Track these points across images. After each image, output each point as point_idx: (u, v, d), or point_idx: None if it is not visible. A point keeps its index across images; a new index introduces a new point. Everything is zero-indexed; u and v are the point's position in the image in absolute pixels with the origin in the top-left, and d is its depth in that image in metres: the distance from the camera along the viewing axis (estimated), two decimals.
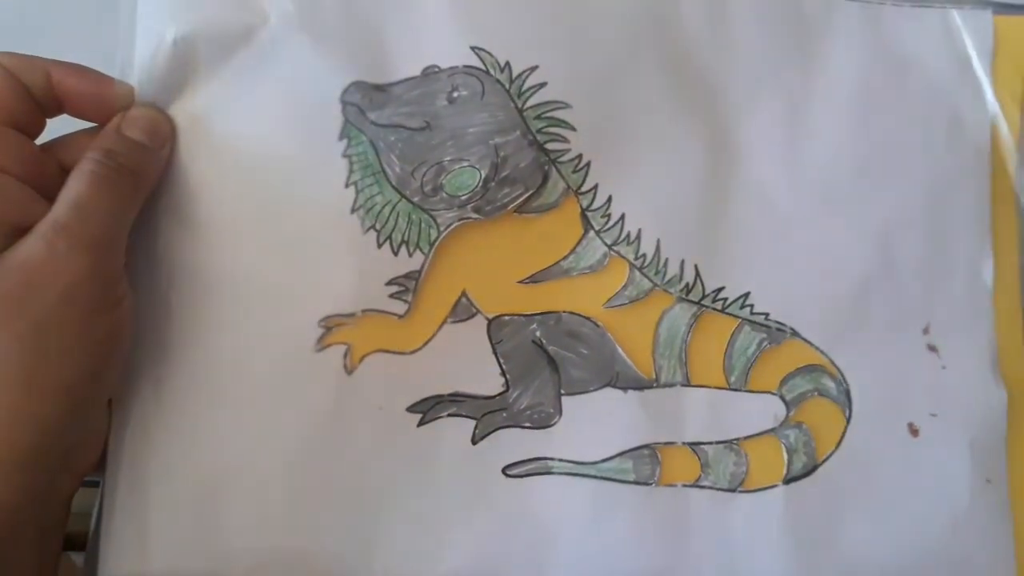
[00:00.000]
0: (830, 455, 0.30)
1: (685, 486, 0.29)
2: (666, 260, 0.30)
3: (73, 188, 0.24)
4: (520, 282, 0.29)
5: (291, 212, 0.28)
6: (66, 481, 0.26)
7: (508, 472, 0.29)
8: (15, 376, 0.23)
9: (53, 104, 0.27)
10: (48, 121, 0.27)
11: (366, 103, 0.28)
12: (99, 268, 0.24)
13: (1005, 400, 0.30)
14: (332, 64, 0.28)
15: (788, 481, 0.29)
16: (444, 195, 0.28)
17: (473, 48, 0.29)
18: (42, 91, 0.26)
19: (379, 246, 0.28)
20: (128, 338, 0.26)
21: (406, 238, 0.28)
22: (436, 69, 0.29)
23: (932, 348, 0.30)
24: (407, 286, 0.28)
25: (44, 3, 0.35)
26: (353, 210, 0.28)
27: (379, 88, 0.28)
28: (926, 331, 0.30)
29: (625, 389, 0.29)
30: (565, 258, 0.29)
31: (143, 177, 0.26)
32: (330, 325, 0.28)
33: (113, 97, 0.27)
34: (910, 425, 0.30)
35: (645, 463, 0.29)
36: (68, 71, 0.26)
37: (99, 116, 0.27)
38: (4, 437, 0.23)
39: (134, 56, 0.27)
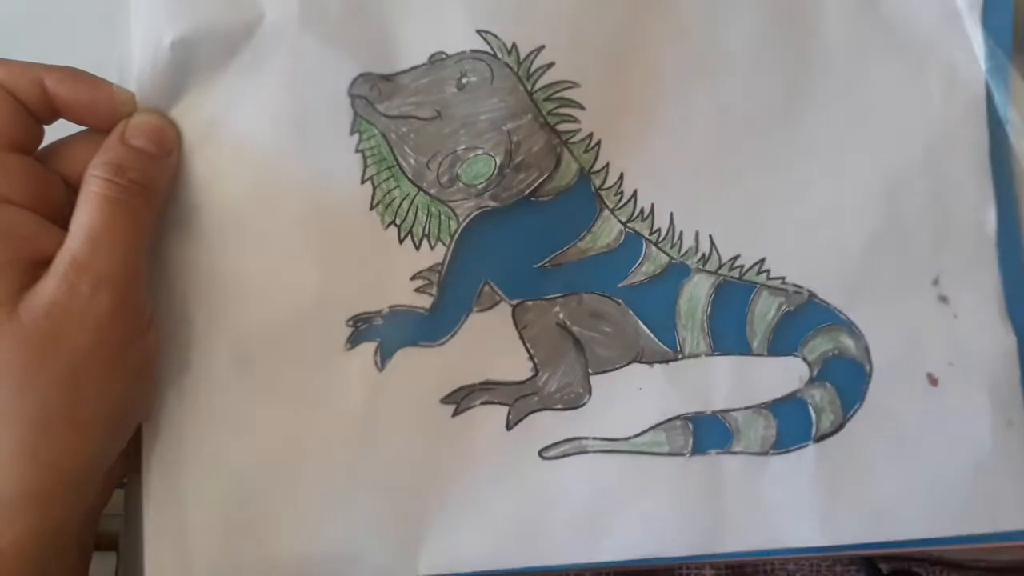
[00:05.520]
0: (855, 411, 0.30)
1: (718, 454, 0.30)
2: (681, 233, 0.30)
3: (86, 216, 0.24)
4: (539, 266, 0.29)
5: (309, 213, 0.27)
6: (105, 495, 0.26)
7: (544, 455, 0.29)
8: (58, 415, 0.23)
9: (48, 113, 0.25)
10: None
11: (375, 95, 0.28)
12: (125, 301, 0.24)
13: (1015, 344, 0.31)
14: (337, 57, 0.27)
15: (818, 439, 0.30)
16: (460, 185, 0.28)
17: (479, 31, 0.28)
18: (37, 102, 0.25)
19: (400, 241, 0.28)
20: (159, 360, 0.26)
21: (427, 231, 0.28)
22: (443, 55, 0.28)
23: (943, 299, 0.31)
24: (431, 279, 0.28)
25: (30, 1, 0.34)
26: (372, 207, 0.28)
27: (387, 78, 0.28)
28: (936, 282, 0.31)
29: (651, 363, 0.30)
30: (581, 239, 0.30)
31: (154, 191, 0.25)
32: (359, 323, 0.28)
33: (113, 104, 0.26)
34: (929, 375, 0.31)
35: (678, 434, 0.29)
36: (62, 77, 0.25)
37: (98, 123, 0.26)
38: (55, 470, 0.23)
39: (131, 61, 0.26)
